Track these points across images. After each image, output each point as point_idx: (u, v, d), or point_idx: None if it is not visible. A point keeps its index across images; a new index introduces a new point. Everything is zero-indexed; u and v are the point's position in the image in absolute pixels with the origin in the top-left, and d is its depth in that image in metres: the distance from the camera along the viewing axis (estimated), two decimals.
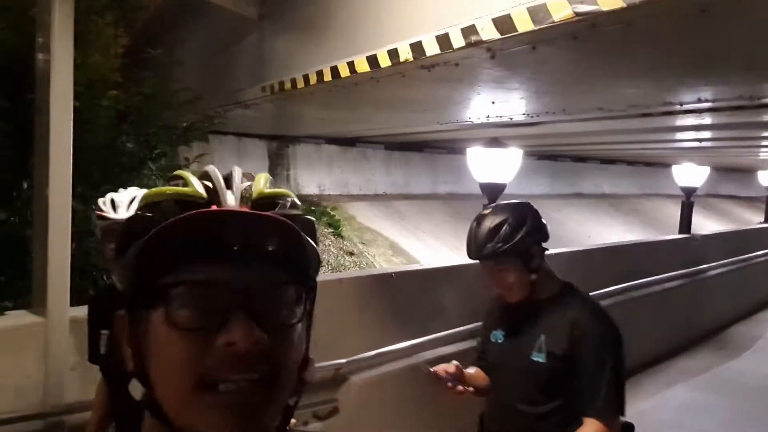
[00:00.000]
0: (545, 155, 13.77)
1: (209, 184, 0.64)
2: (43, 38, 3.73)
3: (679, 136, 8.52)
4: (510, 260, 1.87)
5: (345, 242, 8.65)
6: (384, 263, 8.34)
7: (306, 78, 4.02)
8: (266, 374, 0.57)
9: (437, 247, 9.65)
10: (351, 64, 3.44)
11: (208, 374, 0.55)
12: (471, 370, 2.13)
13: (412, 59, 2.90)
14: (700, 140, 8.64)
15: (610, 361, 1.79)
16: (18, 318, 3.10)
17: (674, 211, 10.54)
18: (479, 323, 2.29)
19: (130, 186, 5.34)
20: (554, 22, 2.40)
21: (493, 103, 4.63)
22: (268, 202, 0.64)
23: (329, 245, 8.22)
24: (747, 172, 16.84)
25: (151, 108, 5.21)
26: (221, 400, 0.55)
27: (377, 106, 4.68)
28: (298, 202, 0.67)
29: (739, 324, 8.01)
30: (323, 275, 7.01)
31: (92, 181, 4.65)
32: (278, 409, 0.61)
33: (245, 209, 0.62)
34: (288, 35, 4.88)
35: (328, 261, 7.83)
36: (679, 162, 8.97)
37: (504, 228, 1.85)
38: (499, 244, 1.85)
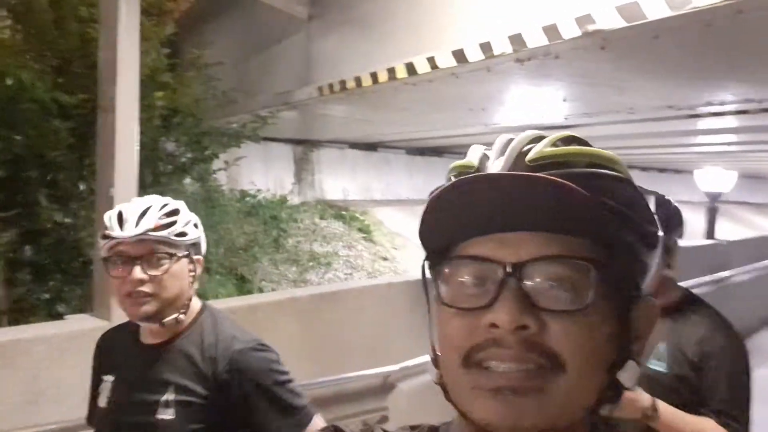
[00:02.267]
0: None
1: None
2: (107, 37, 3.64)
3: (702, 139, 8.48)
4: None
5: (377, 247, 8.56)
6: (419, 268, 8.22)
7: (374, 76, 3.93)
8: (544, 365, 0.50)
9: None
10: (431, 59, 3.35)
11: (474, 353, 0.51)
12: None
13: (511, 51, 2.81)
14: (727, 144, 8.60)
15: (744, 377, 1.68)
16: (82, 322, 3.01)
17: (690, 217, 10.48)
18: None
19: (176, 188, 5.27)
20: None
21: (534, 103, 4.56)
22: (551, 163, 0.53)
23: (362, 250, 8.13)
24: (757, 177, 16.86)
25: (198, 109, 5.14)
26: (488, 384, 0.50)
27: (434, 105, 4.58)
28: (612, 159, 0.56)
29: (765, 330, 7.93)
30: (368, 280, 6.99)
31: (144, 182, 4.56)
32: (563, 410, 0.51)
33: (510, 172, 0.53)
34: (339, 35, 4.79)
35: (363, 266, 7.74)
36: (700, 167, 8.93)
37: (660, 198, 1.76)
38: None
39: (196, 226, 1.49)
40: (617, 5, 2.51)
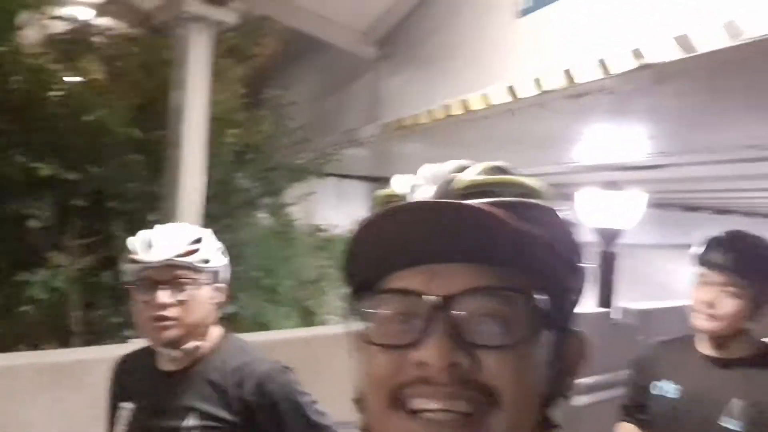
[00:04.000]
0: (652, 204, 13.02)
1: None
2: (179, 78, 3.91)
3: None
4: (748, 279, 1.61)
5: None
6: None
7: (430, 113, 3.95)
8: (479, 403, 0.47)
9: None
10: (485, 96, 3.34)
11: (402, 393, 0.48)
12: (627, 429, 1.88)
13: (561, 87, 2.75)
14: None
15: None
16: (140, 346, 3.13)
17: None
18: (615, 373, 2.04)
19: (248, 222, 5.45)
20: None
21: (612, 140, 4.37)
22: (480, 192, 0.51)
23: None
24: None
25: (269, 146, 5.35)
26: (416, 428, 0.47)
27: (497, 142, 4.54)
28: (539, 189, 0.54)
29: None
30: None
31: (212, 215, 4.77)
32: None
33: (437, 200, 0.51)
34: (404, 74, 4.88)
35: None
36: None
37: (760, 247, 1.66)
38: (751, 257, 1.62)
39: (223, 253, 1.51)
40: (674, 36, 2.40)
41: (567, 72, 2.76)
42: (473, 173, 0.53)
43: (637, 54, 2.41)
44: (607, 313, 4.80)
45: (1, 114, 3.95)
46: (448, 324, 0.47)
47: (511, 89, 3.08)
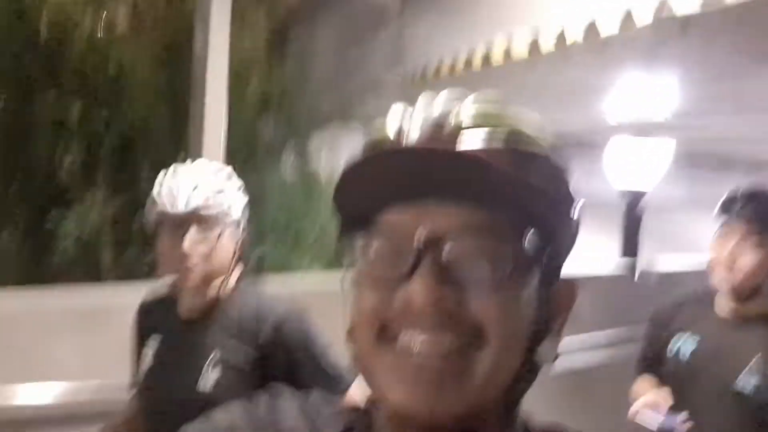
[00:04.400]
0: (682, 161, 12.65)
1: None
2: (201, 25, 3.94)
3: None
4: None
5: None
6: None
7: (452, 64, 3.91)
8: (465, 338, 0.48)
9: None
10: (507, 51, 3.28)
11: (390, 327, 0.49)
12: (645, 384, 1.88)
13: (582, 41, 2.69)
14: None
15: None
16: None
17: None
18: (616, 328, 2.02)
19: (272, 169, 5.54)
20: None
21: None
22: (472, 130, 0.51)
23: None
24: None
25: (293, 92, 5.37)
26: (402, 362, 0.48)
27: (519, 97, 4.46)
28: (535, 132, 0.53)
29: None
30: None
31: (237, 159, 4.86)
32: (486, 387, 0.48)
33: (429, 147, 0.51)
34: (427, 23, 4.82)
35: None
36: None
37: None
38: None
39: (243, 197, 1.53)
40: None
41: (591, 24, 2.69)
42: (469, 113, 0.52)
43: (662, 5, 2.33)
44: (631, 271, 4.79)
45: (31, 58, 4.04)
46: (436, 261, 0.47)
47: (530, 43, 3.02)
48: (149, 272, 4.68)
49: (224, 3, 3.88)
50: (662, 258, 5.25)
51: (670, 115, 5.02)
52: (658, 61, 3.31)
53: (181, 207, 1.40)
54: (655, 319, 1.93)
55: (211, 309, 1.49)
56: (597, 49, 2.97)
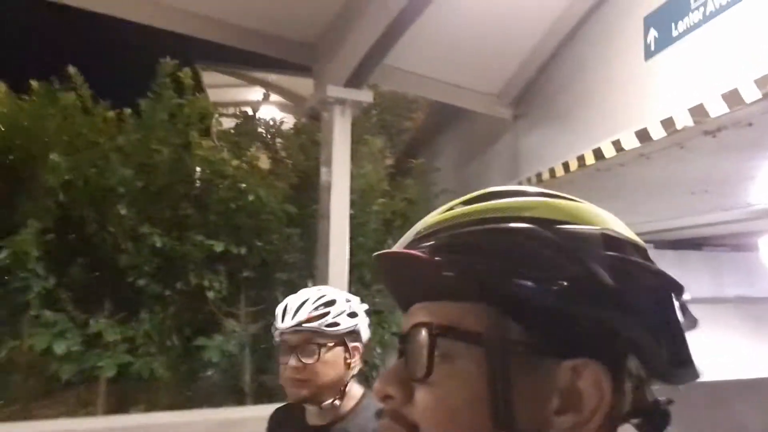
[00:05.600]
0: None
1: None
2: (325, 156, 4.31)
3: None
4: None
5: None
6: None
7: (565, 165, 3.89)
8: None
9: (725, 357, 8.14)
10: (617, 143, 3.22)
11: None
12: None
13: (692, 125, 2.58)
14: None
15: None
16: None
17: None
18: None
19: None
20: None
21: None
22: (435, 231, 0.53)
23: None
24: None
25: (415, 212, 5.56)
26: None
27: (644, 190, 4.28)
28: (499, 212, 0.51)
29: None
30: None
31: (364, 281, 5.04)
32: None
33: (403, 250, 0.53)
34: (541, 130, 4.87)
35: None
36: None
37: None
38: None
39: (352, 315, 1.57)
40: None
41: (700, 107, 2.60)
42: (432, 216, 0.55)
43: (761, 82, 2.21)
44: None
45: (185, 201, 4.63)
46: (399, 359, 0.51)
47: (640, 133, 2.95)
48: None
49: (345, 136, 4.25)
50: None
51: None
52: None
53: (288, 322, 1.50)
54: None
55: (335, 419, 1.54)
56: (707, 134, 2.81)
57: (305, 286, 4.98)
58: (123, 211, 4.25)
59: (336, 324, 1.52)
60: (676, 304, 0.50)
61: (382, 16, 3.55)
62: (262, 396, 4.76)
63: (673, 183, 3.86)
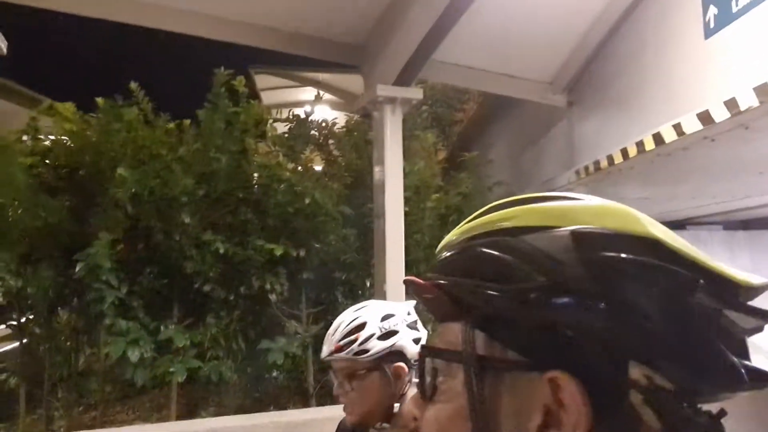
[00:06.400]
0: None
1: None
2: (378, 155, 4.34)
3: None
4: None
5: None
6: None
7: (624, 152, 3.76)
8: None
9: None
10: (678, 126, 3.10)
11: None
12: None
13: (757, 104, 2.45)
14: None
15: None
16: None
17: None
18: None
19: None
20: None
21: None
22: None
23: None
24: None
25: (470, 206, 5.52)
26: None
27: (708, 172, 4.10)
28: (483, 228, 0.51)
29: None
30: None
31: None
32: None
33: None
34: (597, 117, 4.74)
35: None
36: None
37: None
38: None
39: (387, 335, 1.48)
40: None
41: (765, 86, 2.46)
42: (450, 235, 0.56)
43: None
44: None
45: (244, 207, 4.75)
46: (422, 381, 0.54)
47: (702, 115, 2.83)
48: None
49: (396, 134, 4.26)
50: None
51: None
52: None
53: (323, 353, 1.48)
54: None
55: None
56: None
57: (363, 285, 5.05)
58: (186, 220, 4.39)
59: (365, 351, 1.45)
60: (705, 301, 0.44)
61: (428, 13, 3.53)
62: (325, 396, 4.84)
63: (739, 164, 3.68)
